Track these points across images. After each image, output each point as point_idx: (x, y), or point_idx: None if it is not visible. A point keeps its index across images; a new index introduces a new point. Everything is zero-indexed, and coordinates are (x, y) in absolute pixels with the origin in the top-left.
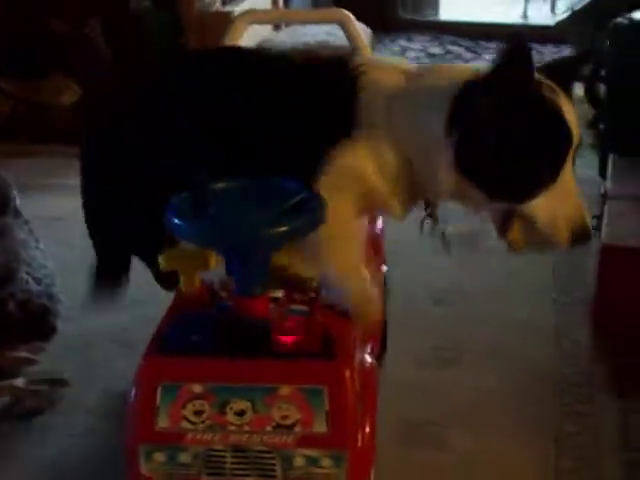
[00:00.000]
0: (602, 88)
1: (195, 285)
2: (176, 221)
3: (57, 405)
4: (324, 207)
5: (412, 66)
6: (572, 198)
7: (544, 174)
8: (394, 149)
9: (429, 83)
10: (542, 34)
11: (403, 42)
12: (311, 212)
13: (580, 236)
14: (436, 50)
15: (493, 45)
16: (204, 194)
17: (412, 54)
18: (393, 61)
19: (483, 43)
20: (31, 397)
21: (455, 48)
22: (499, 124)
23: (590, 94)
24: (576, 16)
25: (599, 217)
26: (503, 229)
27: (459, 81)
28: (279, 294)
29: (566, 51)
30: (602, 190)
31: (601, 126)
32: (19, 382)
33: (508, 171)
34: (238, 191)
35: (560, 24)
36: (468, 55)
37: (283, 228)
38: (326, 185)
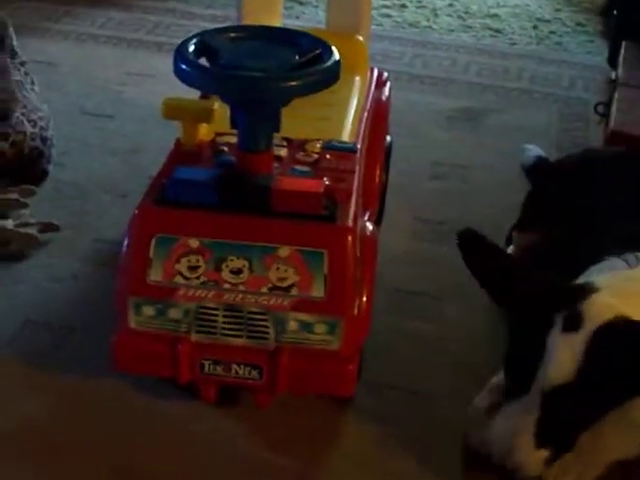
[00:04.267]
0: None
1: (195, 138)
2: (183, 66)
3: (45, 249)
4: (339, 64)
5: None
6: None
7: None
8: None
9: None
10: None
11: None
12: (324, 69)
13: None
14: None
15: None
16: (215, 40)
17: None
18: None
19: None
20: (19, 239)
21: None
22: None
23: None
24: None
25: (608, 104)
26: None
27: None
28: (283, 153)
29: None
30: (613, 77)
31: (614, 12)
32: (8, 224)
33: None
34: (252, 41)
35: None
36: None
37: (293, 82)
38: None
